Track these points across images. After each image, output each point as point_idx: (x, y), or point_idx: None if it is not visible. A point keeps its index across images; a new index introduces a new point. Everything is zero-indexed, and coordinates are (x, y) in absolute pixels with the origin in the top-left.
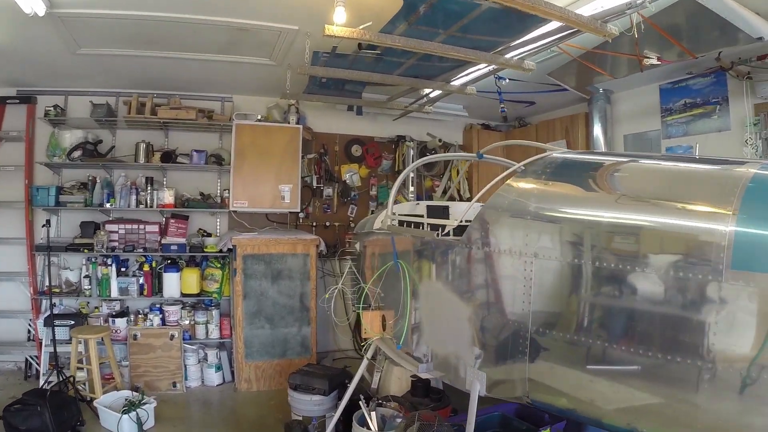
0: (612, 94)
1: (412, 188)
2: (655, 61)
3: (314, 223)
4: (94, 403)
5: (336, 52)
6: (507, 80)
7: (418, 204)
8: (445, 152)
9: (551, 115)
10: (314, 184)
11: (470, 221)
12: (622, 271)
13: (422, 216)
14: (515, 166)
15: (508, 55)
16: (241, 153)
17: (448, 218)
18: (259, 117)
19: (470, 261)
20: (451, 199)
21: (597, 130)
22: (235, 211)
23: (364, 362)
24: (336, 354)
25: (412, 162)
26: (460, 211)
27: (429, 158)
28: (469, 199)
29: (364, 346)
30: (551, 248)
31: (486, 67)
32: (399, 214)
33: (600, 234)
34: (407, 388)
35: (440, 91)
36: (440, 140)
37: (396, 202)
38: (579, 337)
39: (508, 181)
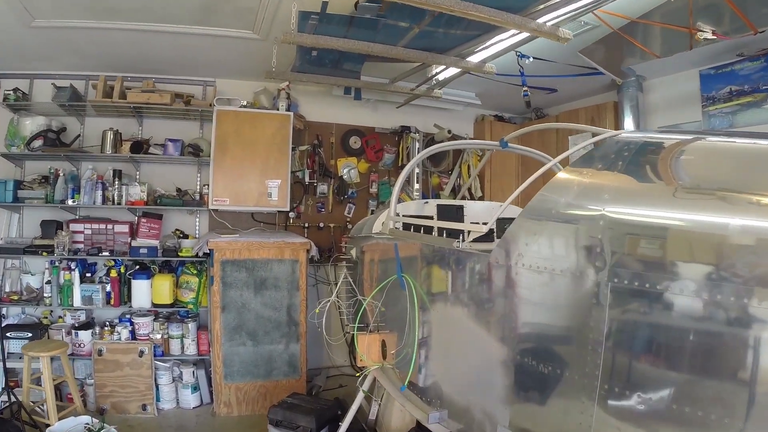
0: (644, 81)
1: (417, 185)
2: (709, 35)
3: (306, 224)
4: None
5: (328, 12)
6: (531, 59)
7: (426, 203)
8: None
9: (574, 105)
10: (306, 179)
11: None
12: None
13: (431, 217)
14: (571, 151)
15: (540, 20)
16: (222, 143)
17: (462, 221)
18: (244, 103)
19: (508, 282)
20: (462, 198)
21: (628, 122)
22: (215, 210)
23: (359, 396)
24: (330, 371)
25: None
26: (477, 213)
27: (441, 146)
28: (481, 198)
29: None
30: (637, 269)
31: (510, 36)
32: (404, 215)
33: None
34: (412, 423)
35: (453, 70)
36: (449, 131)
37: (400, 200)
38: (696, 409)
39: (559, 175)
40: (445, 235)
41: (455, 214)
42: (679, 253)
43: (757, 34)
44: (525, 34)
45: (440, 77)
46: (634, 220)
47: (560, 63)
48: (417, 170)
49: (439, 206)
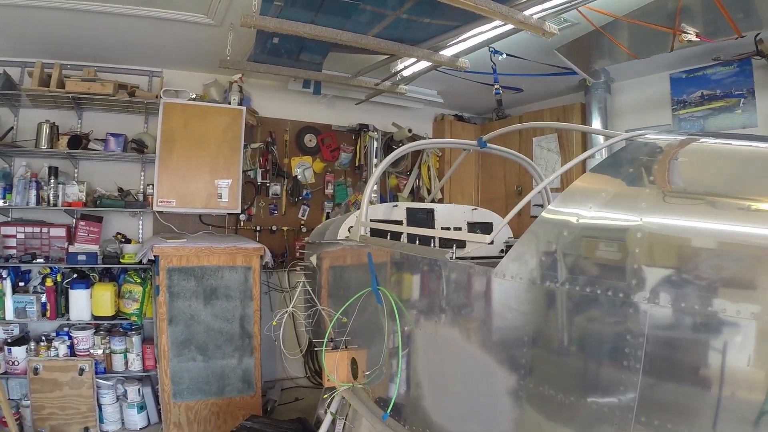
0: (613, 83)
1: (375, 187)
2: (693, 37)
3: (258, 227)
4: None
5: None
6: (504, 55)
7: (396, 206)
8: None
9: (539, 106)
10: (259, 179)
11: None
12: None
13: (401, 222)
14: (590, 153)
15: (527, 12)
16: (169, 139)
17: (433, 225)
18: (193, 96)
19: (517, 299)
20: (420, 200)
21: (596, 124)
22: (160, 212)
23: (327, 419)
24: (285, 383)
25: (375, 156)
26: (447, 216)
27: (420, 143)
28: (441, 201)
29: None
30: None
31: (491, 29)
32: (372, 220)
33: None
34: None
35: (422, 65)
36: (410, 131)
37: (355, 203)
38: None
39: (579, 182)
40: (417, 242)
41: (426, 218)
42: (729, 270)
43: (738, 38)
44: (505, 28)
45: (407, 72)
46: (678, 232)
47: (532, 61)
48: (374, 171)
49: (409, 210)
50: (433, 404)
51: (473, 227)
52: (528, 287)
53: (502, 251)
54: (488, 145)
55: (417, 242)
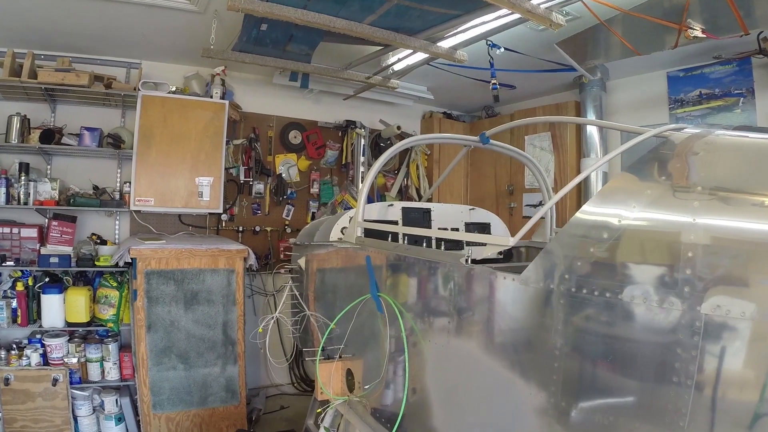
0: (608, 81)
1: (361, 185)
2: (699, 34)
3: (241, 228)
4: None
5: None
6: (502, 49)
7: (391, 206)
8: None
9: (532, 104)
10: (241, 177)
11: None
12: None
13: (396, 222)
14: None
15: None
16: (147, 134)
17: (430, 225)
18: (173, 89)
19: (546, 310)
20: (408, 199)
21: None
22: (138, 212)
23: None
24: (269, 390)
25: (363, 153)
26: (445, 216)
27: (422, 138)
28: (429, 200)
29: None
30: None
31: (494, 18)
32: (366, 220)
33: None
34: None
35: (417, 57)
36: (399, 128)
37: (341, 202)
38: None
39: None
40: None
41: (422, 218)
42: None
43: (743, 36)
44: (508, 18)
45: (399, 66)
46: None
47: (529, 56)
48: (362, 169)
49: (405, 210)
50: (444, 423)
51: (471, 228)
52: (559, 295)
53: (500, 254)
54: (491, 141)
55: (424, 244)
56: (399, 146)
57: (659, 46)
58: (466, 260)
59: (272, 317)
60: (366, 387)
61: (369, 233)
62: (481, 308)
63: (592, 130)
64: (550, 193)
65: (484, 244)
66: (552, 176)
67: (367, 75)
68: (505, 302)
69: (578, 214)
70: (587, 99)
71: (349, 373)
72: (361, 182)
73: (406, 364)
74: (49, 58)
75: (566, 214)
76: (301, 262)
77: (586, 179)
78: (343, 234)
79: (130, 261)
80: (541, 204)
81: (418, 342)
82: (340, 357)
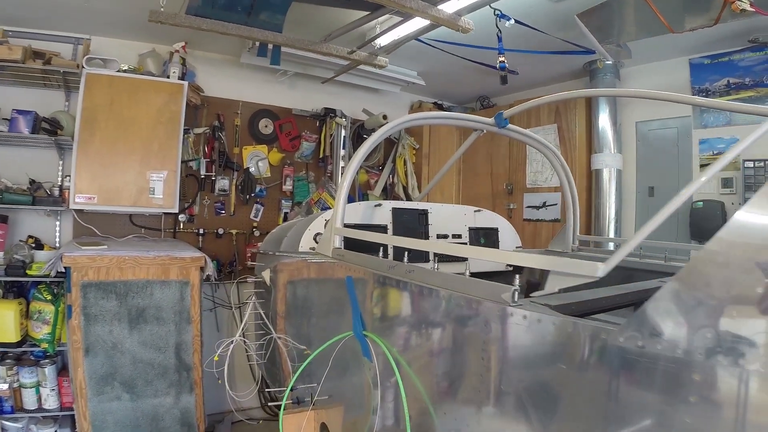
0: (622, 68)
1: (341, 181)
2: (748, 8)
3: (201, 230)
4: None
5: None
6: (512, 20)
7: (379, 206)
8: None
9: (534, 93)
10: (203, 171)
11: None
12: None
13: (384, 227)
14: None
15: None
16: (91, 119)
17: (426, 230)
18: (124, 67)
19: (667, 383)
20: (394, 199)
21: (602, 116)
22: (80, 211)
23: None
24: (234, 416)
25: (343, 146)
26: (444, 220)
27: (424, 116)
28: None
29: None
30: None
31: None
32: (346, 224)
33: None
34: None
35: (406, 30)
36: (385, 117)
37: (318, 202)
38: None
39: None
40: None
41: (418, 221)
42: None
43: None
44: None
45: (386, 40)
46: None
47: (542, 33)
48: (342, 164)
49: (396, 211)
50: None
51: (477, 234)
52: (705, 364)
53: (509, 266)
54: (510, 125)
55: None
56: (391, 127)
57: (697, 21)
58: (514, 296)
59: (231, 341)
60: None
61: (350, 243)
62: (544, 378)
63: (604, 125)
64: (574, 192)
65: (594, 275)
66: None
67: (350, 50)
68: (586, 365)
69: (739, 217)
70: (599, 88)
71: (324, 429)
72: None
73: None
74: None
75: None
76: (266, 274)
77: (599, 178)
78: (317, 242)
79: (64, 270)
80: (545, 205)
81: (426, 415)
82: (312, 403)
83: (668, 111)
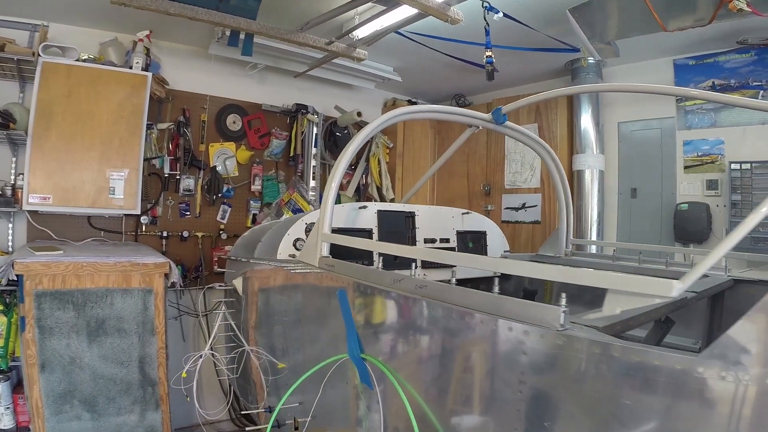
0: (605, 68)
1: (313, 182)
2: (745, 7)
3: (165, 233)
4: None
5: None
6: (500, 14)
7: (365, 208)
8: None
9: (515, 92)
10: (167, 170)
11: None
12: None
13: (370, 231)
14: None
15: None
16: (46, 112)
17: (414, 234)
18: (85, 57)
19: None
20: (368, 199)
21: (586, 118)
22: (34, 212)
23: None
24: (203, 429)
25: (315, 144)
26: (430, 224)
27: (420, 109)
28: (392, 201)
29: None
30: None
31: None
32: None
33: None
34: None
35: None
36: (359, 114)
37: (288, 203)
38: None
39: None
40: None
41: (404, 225)
42: None
43: None
44: None
45: (364, 32)
46: None
47: (529, 29)
48: (314, 163)
49: (381, 214)
50: None
51: (465, 237)
52: None
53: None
54: (508, 123)
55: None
56: (387, 119)
57: (690, 20)
58: (562, 320)
59: (200, 355)
60: None
61: (333, 248)
62: (603, 414)
63: (587, 125)
64: (568, 194)
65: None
66: (538, 174)
67: (327, 41)
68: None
69: None
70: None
71: None
72: (313, 179)
73: None
74: None
75: (556, 221)
76: (237, 282)
77: (580, 179)
78: (298, 249)
79: (15, 278)
80: (524, 207)
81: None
82: (296, 429)
83: (651, 112)
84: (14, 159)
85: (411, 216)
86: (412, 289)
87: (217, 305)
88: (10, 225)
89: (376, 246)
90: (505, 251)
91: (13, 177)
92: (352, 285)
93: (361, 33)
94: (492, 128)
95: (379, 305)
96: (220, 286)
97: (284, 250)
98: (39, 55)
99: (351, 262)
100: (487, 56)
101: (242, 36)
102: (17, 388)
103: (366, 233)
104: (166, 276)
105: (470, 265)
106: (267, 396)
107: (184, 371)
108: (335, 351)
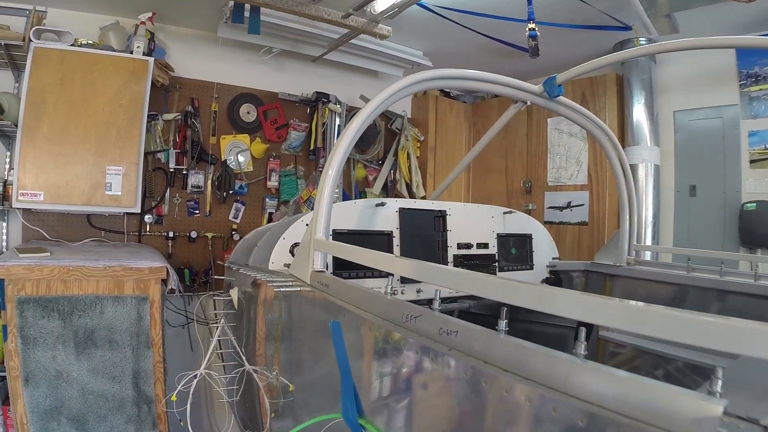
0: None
1: (335, 175)
2: None
3: (171, 233)
4: None
5: None
6: None
7: (382, 206)
8: (389, 126)
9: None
10: (172, 164)
11: None
12: None
13: (390, 233)
14: None
15: None
16: (38, 101)
17: (446, 239)
18: (81, 42)
19: None
20: (397, 196)
21: (637, 106)
22: (27, 211)
23: None
24: None
25: (337, 136)
26: (464, 225)
27: (446, 74)
28: (423, 198)
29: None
30: None
31: None
32: (336, 231)
33: None
34: None
35: None
36: None
37: (308, 200)
38: None
39: None
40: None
41: (434, 227)
42: None
43: None
44: None
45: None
46: None
47: (567, 8)
48: None
49: (404, 213)
50: None
51: (506, 242)
52: None
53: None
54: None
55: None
56: (400, 87)
57: None
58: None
59: (195, 375)
60: None
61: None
62: None
63: (639, 115)
64: (632, 191)
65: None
66: (585, 170)
67: (344, 14)
68: None
69: None
70: (632, 71)
71: None
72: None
73: None
74: None
75: (606, 222)
76: (234, 294)
77: (635, 175)
78: (294, 255)
79: None
80: (569, 206)
81: None
82: None
83: (711, 99)
84: (8, 154)
85: (441, 216)
86: (434, 334)
87: (215, 320)
88: (4, 224)
89: (387, 264)
90: (554, 258)
91: (5, 172)
92: (351, 315)
93: (380, 5)
94: (542, 104)
95: (385, 350)
96: (217, 296)
97: (278, 258)
98: (31, 39)
99: (352, 282)
100: (530, 29)
101: (248, 10)
102: (6, 400)
103: (384, 237)
104: (164, 282)
105: (543, 307)
106: (271, 422)
107: (174, 394)
108: (328, 404)
